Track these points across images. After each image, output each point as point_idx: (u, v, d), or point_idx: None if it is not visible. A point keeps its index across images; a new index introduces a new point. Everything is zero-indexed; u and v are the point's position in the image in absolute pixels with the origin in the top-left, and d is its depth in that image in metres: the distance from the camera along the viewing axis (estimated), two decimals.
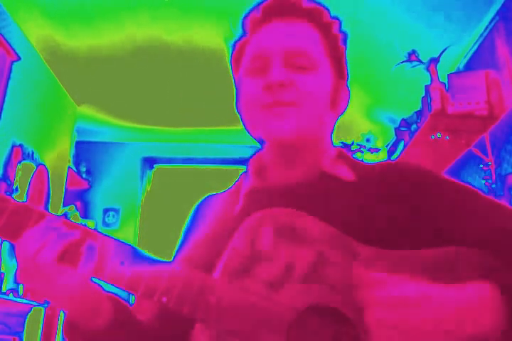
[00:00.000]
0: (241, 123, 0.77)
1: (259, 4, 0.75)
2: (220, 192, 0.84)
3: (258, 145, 0.80)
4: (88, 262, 0.58)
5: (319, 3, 0.76)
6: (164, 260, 0.62)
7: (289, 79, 0.69)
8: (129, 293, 0.61)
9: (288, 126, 0.69)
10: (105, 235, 0.61)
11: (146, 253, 0.62)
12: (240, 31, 0.78)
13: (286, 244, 0.60)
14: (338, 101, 0.77)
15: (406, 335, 0.52)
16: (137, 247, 0.62)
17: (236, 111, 0.80)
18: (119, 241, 0.61)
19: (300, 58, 0.71)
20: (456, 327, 0.52)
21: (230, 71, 0.81)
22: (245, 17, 0.77)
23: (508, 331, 0.54)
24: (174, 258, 0.79)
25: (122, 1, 2.77)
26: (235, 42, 0.79)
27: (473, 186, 0.73)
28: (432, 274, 0.58)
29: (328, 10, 0.76)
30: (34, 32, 3.06)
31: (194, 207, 0.86)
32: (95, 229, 0.62)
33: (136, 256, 0.60)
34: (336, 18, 0.77)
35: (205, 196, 0.87)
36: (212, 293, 0.58)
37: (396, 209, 0.67)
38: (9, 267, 2.81)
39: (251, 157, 0.81)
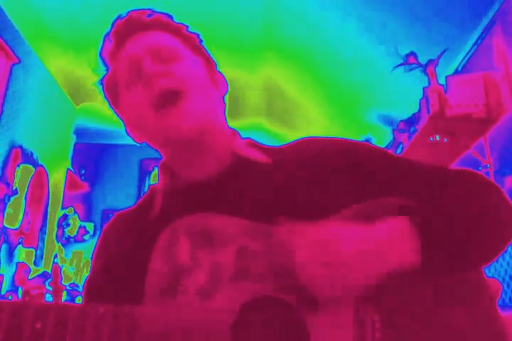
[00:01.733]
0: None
1: (108, 34, 0.77)
2: (128, 208, 0.81)
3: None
4: None
5: (160, 13, 0.78)
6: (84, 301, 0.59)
7: (164, 69, 0.70)
8: None
9: (185, 122, 0.67)
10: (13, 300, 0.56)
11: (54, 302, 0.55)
12: (102, 68, 0.78)
13: (204, 250, 0.60)
14: (216, 82, 0.78)
15: (332, 270, 0.55)
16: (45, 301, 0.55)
17: (127, 134, 0.79)
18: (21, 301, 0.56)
19: (165, 52, 0.73)
20: (377, 256, 0.57)
21: (110, 108, 0.80)
22: (101, 52, 0.78)
23: (424, 263, 0.57)
24: (88, 284, 0.74)
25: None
26: (102, 79, 0.79)
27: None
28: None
29: (170, 16, 0.79)
30: (54, 63, 3.08)
31: (103, 228, 0.81)
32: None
33: (47, 310, 0.51)
34: (180, 23, 0.79)
35: (112, 215, 0.83)
36: (145, 322, 0.53)
37: (316, 180, 0.69)
38: (8, 269, 2.81)
39: (158, 166, 0.80)
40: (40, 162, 3.24)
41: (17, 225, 2.90)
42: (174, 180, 0.75)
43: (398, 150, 3.04)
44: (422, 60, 2.64)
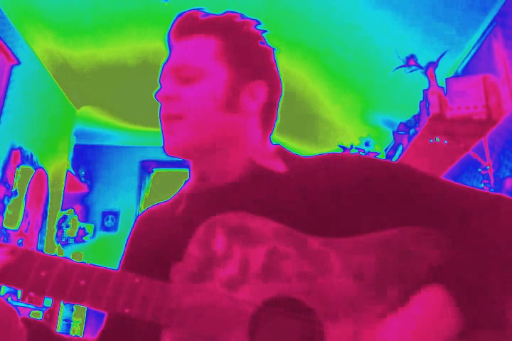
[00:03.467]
0: None
1: (168, 31, 0.81)
2: (163, 202, 0.88)
3: None
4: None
5: (221, 13, 0.80)
6: (116, 270, 0.63)
7: (175, 93, 0.75)
8: (91, 309, 0.62)
9: (176, 140, 0.74)
10: (62, 257, 0.63)
11: (99, 266, 0.63)
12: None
13: (238, 245, 0.63)
14: (238, 101, 0.77)
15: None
16: (87, 263, 0.63)
17: None
18: (72, 260, 0.63)
19: (186, 71, 0.76)
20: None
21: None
22: (166, 40, 0.82)
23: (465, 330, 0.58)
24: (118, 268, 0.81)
25: (124, 15, 2.79)
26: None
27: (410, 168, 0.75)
28: (380, 255, 0.63)
29: (236, 14, 0.79)
30: (39, 44, 3.08)
31: (136, 219, 0.88)
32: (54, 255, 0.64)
33: (92, 271, 0.61)
34: (247, 19, 0.80)
35: (148, 207, 0.90)
36: (173, 298, 0.60)
37: (332, 196, 0.70)
38: None
39: (189, 166, 0.84)
40: (39, 163, 3.24)
41: (17, 226, 2.90)
42: (199, 183, 0.80)
43: (398, 152, 3.04)
44: (422, 62, 2.64)
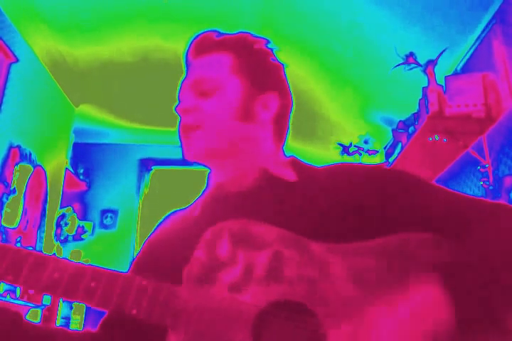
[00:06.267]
0: None
1: (187, 49, 0.88)
2: (184, 208, 0.91)
3: None
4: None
5: (234, 33, 0.87)
6: (126, 272, 0.66)
7: (193, 105, 0.81)
8: (100, 310, 0.65)
9: (193, 148, 0.80)
10: (70, 261, 0.66)
11: (109, 268, 0.66)
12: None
13: (242, 250, 0.66)
14: (252, 111, 0.83)
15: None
16: (98, 265, 0.66)
17: None
18: (81, 263, 0.66)
19: (203, 84, 0.82)
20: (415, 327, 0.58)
21: None
22: (184, 60, 0.89)
23: (457, 328, 0.58)
24: (131, 266, 0.86)
25: (122, 13, 2.78)
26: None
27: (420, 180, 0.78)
28: (382, 259, 0.65)
29: (248, 34, 0.87)
30: (38, 42, 3.07)
31: (159, 222, 0.92)
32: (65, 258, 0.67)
33: (102, 273, 0.65)
34: (259, 38, 0.87)
35: (170, 212, 0.93)
36: (178, 300, 0.63)
37: (340, 205, 0.73)
38: None
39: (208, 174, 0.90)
40: (38, 161, 3.23)
41: (15, 224, 2.90)
42: (215, 191, 0.84)
43: (397, 150, 3.04)
44: (422, 60, 2.64)
